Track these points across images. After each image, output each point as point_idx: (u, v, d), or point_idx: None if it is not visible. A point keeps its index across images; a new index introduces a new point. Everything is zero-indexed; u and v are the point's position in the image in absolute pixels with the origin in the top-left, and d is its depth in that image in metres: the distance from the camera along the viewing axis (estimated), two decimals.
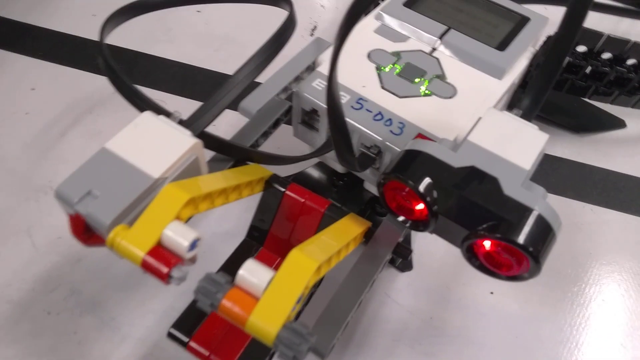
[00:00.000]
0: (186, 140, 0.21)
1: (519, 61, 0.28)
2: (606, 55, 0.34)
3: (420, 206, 0.20)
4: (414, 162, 0.20)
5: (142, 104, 0.23)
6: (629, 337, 0.32)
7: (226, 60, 0.45)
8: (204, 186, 0.21)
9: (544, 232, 0.19)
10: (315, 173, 0.31)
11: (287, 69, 0.29)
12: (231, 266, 0.26)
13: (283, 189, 0.26)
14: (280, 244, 0.27)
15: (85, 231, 0.20)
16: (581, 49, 0.34)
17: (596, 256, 0.36)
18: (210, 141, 0.24)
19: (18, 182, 0.37)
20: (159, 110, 0.23)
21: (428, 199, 0.19)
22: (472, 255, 0.20)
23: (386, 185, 0.20)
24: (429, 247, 0.35)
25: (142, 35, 0.46)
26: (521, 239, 0.18)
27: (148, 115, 0.22)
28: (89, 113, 0.41)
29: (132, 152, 0.20)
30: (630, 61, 0.34)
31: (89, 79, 0.43)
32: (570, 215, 0.37)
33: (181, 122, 0.23)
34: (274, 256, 0.27)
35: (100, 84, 0.43)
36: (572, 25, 0.21)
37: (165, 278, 0.17)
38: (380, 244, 0.24)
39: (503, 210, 0.18)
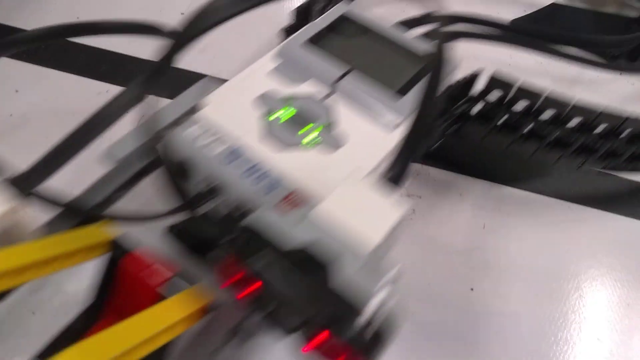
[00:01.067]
0: None
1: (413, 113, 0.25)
2: (548, 114, 0.32)
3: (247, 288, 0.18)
4: (249, 241, 0.18)
5: None
6: (605, 330, 0.33)
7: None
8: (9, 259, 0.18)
9: (375, 338, 0.16)
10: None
11: (164, 112, 0.25)
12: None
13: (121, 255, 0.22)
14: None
15: None
16: (520, 106, 0.32)
17: (574, 253, 0.36)
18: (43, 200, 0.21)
19: None
20: None
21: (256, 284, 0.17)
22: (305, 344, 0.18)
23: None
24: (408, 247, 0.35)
25: None
26: (344, 340, 0.16)
27: None
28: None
29: None
30: (574, 122, 0.32)
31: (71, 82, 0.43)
32: (549, 213, 0.38)
33: (14, 180, 0.21)
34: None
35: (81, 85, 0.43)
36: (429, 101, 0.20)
37: None
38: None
39: (319, 306, 0.16)
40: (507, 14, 0.43)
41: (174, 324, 0.19)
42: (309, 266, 0.17)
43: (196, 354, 0.22)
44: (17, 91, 0.43)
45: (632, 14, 0.42)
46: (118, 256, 0.22)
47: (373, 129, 0.25)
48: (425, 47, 0.28)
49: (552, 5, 0.43)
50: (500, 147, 0.31)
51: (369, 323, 0.16)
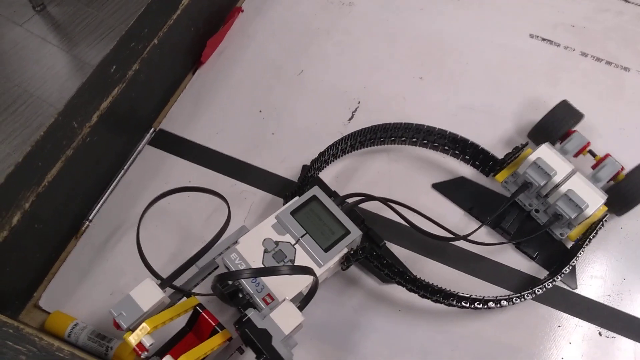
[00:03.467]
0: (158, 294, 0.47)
1: (334, 257, 0.51)
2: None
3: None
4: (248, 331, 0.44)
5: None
6: None
7: None
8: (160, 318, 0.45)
9: None
10: None
11: (218, 247, 0.53)
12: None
13: (199, 311, 0.49)
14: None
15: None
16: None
17: None
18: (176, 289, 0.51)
19: None
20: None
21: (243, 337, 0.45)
22: None
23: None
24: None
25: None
26: None
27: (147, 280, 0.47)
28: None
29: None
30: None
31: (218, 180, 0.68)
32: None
33: (162, 282, 0.50)
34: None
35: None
36: None
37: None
38: None
39: (266, 352, 0.43)
40: (435, 178, 0.67)
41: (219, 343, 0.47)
42: (266, 337, 0.43)
43: None
44: (166, 183, 0.67)
45: (506, 194, 0.64)
46: (197, 312, 0.48)
47: (312, 264, 0.50)
48: (347, 222, 0.52)
49: (461, 178, 0.66)
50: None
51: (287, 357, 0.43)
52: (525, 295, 0.55)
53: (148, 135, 0.70)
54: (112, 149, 0.66)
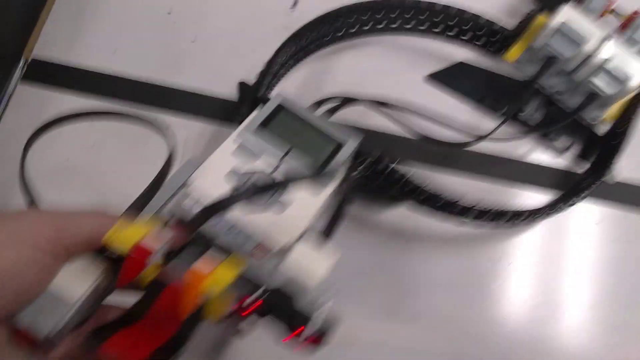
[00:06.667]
0: (94, 271, 0.30)
1: (333, 180, 0.37)
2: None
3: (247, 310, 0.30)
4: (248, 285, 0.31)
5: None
6: None
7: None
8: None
9: (322, 330, 0.30)
10: None
11: (158, 199, 0.34)
12: None
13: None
14: None
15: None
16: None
17: None
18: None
19: None
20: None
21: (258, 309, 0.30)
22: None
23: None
24: None
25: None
26: (312, 336, 0.30)
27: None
28: None
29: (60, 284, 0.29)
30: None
31: None
32: None
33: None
34: None
35: None
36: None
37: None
38: None
39: (294, 320, 0.30)
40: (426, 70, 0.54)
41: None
42: (284, 297, 0.30)
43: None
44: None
45: (520, 77, 0.52)
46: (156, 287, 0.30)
47: (305, 195, 0.35)
48: (338, 129, 0.39)
49: (460, 64, 0.54)
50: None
51: (321, 321, 0.30)
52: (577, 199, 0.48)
53: (19, 70, 0.55)
54: None
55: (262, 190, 0.33)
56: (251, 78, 0.47)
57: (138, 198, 0.33)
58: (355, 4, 0.50)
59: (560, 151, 0.51)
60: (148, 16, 0.56)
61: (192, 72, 0.53)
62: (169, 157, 0.35)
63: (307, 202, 0.35)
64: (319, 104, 0.46)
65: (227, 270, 0.29)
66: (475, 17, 0.51)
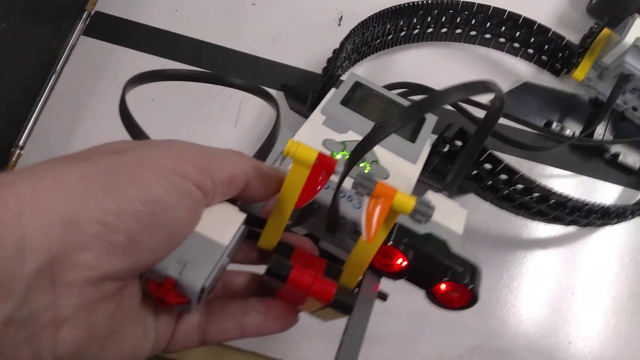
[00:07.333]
0: (239, 216, 0.26)
1: (424, 149, 0.36)
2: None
3: (400, 261, 0.27)
4: (398, 232, 0.27)
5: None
6: None
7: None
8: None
9: (478, 277, 0.27)
10: None
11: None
12: None
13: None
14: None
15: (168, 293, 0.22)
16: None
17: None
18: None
19: None
20: None
21: (409, 257, 0.27)
22: (432, 295, 0.28)
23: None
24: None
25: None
26: (467, 283, 0.26)
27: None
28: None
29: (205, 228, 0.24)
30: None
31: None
32: None
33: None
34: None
35: None
36: (486, 130, 0.27)
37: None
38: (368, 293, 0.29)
39: (453, 264, 0.27)
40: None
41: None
42: (436, 242, 0.28)
43: None
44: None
45: (588, 95, 0.50)
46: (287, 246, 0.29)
47: (403, 163, 0.35)
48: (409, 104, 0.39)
49: (525, 84, 0.51)
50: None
51: (472, 269, 0.27)
52: None
53: (81, 22, 0.54)
54: (35, 45, 0.50)
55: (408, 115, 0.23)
56: (308, 46, 0.49)
57: (258, 152, 0.31)
58: (422, 2, 0.48)
59: (633, 171, 0.49)
60: None
61: (250, 36, 0.53)
62: (277, 118, 0.32)
63: (406, 171, 0.34)
64: (392, 87, 0.45)
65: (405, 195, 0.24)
66: (545, 31, 0.49)
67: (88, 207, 0.18)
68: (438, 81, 0.49)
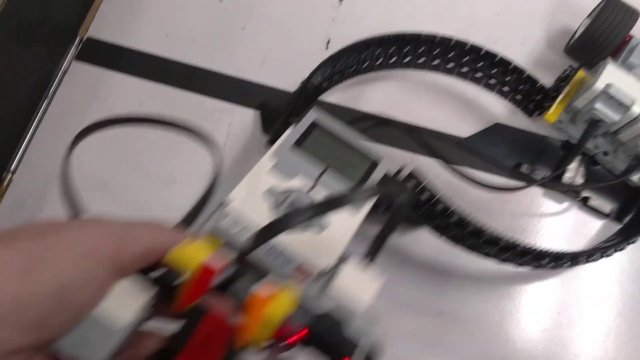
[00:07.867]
0: (148, 291, 0.25)
1: (370, 200, 0.36)
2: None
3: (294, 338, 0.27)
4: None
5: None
6: None
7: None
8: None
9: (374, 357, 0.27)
10: None
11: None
12: None
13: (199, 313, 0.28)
14: None
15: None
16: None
17: None
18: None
19: None
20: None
21: (303, 337, 0.27)
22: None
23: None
24: None
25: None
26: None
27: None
28: None
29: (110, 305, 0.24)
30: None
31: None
32: None
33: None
34: None
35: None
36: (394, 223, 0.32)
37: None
38: None
39: (342, 348, 0.27)
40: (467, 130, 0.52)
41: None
42: (332, 322, 0.28)
43: None
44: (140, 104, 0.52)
45: (559, 137, 0.51)
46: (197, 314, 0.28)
47: (344, 214, 0.35)
48: (369, 147, 0.38)
49: (496, 125, 0.52)
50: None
51: (368, 349, 0.27)
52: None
53: (73, 48, 0.55)
54: (27, 69, 0.51)
55: (322, 209, 0.26)
56: (296, 68, 0.49)
57: (187, 214, 0.31)
58: (402, 34, 0.48)
59: (603, 215, 0.50)
60: (200, 2, 0.56)
61: (240, 59, 0.54)
62: (216, 172, 0.31)
63: (345, 223, 0.34)
64: (352, 123, 0.44)
65: (287, 296, 0.26)
66: (520, 71, 0.49)
67: (3, 290, 0.20)
68: (412, 110, 0.52)
